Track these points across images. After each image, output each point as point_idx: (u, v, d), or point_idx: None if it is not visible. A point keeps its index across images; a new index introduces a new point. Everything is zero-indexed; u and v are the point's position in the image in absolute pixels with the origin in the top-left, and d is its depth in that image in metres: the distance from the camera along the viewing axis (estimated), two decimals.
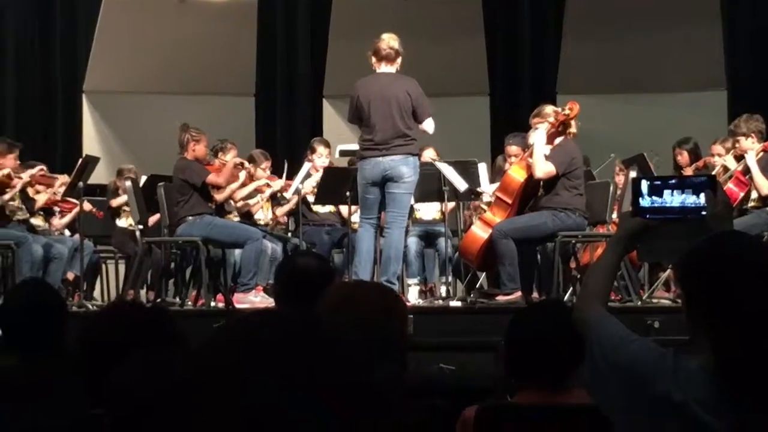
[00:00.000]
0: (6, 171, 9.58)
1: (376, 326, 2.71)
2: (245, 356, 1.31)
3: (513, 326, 3.49)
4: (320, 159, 10.40)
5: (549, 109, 8.81)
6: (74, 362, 3.16)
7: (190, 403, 1.31)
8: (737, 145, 9.05)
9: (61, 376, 3.40)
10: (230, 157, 9.99)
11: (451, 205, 9.94)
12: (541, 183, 8.64)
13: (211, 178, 9.40)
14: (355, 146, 9.10)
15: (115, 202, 10.95)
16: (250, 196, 10.50)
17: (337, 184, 9.46)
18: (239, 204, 10.48)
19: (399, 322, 3.00)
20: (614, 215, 9.36)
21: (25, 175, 9.84)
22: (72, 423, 3.03)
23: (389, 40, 8.45)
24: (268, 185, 10.51)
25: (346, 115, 8.84)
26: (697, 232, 2.72)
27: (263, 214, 10.77)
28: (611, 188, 9.34)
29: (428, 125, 8.44)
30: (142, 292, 10.59)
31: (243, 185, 10.09)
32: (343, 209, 10.06)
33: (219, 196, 9.75)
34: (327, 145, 10.57)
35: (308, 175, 10.23)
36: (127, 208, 10.54)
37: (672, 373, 2.41)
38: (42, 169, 10.14)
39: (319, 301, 2.94)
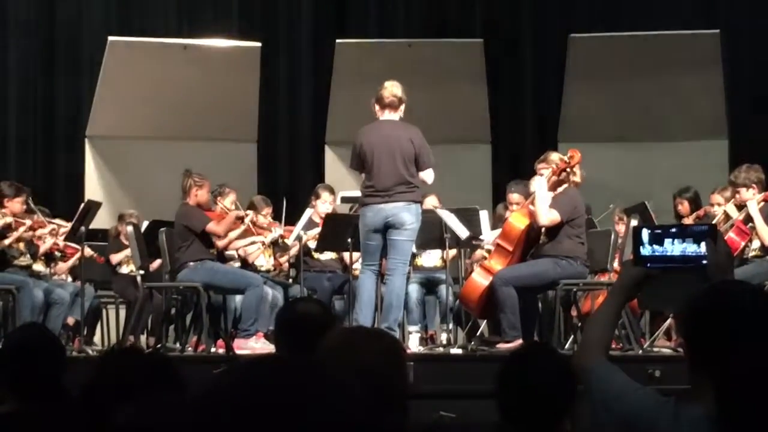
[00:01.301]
0: (9, 219, 9.57)
1: (377, 373, 2.70)
2: (247, 402, 1.31)
3: (501, 376, 3.48)
4: (324, 205, 10.39)
5: (555, 155, 8.83)
6: (74, 407, 3.15)
7: None
8: (737, 196, 9.05)
9: (59, 421, 3.39)
10: (229, 201, 10.00)
11: (452, 252, 9.93)
12: (543, 230, 8.65)
13: (211, 227, 9.38)
14: (357, 193, 9.11)
15: (115, 259, 10.95)
16: (251, 244, 10.51)
17: (338, 230, 9.46)
18: (240, 251, 10.49)
19: (399, 369, 2.99)
20: (615, 264, 9.35)
21: (39, 232, 9.86)
22: None
23: (392, 88, 8.47)
24: (262, 243, 10.51)
25: (349, 162, 8.86)
26: (698, 281, 2.72)
27: (264, 260, 10.76)
28: (612, 237, 9.34)
29: (428, 175, 8.45)
30: (143, 337, 10.56)
31: (244, 234, 10.11)
32: (345, 256, 10.06)
33: (220, 243, 9.76)
34: (332, 191, 10.58)
35: (310, 221, 10.23)
36: (129, 254, 10.54)
37: (673, 421, 2.40)
38: (53, 229, 10.08)
39: (319, 347, 2.93)
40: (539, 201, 8.52)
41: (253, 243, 10.49)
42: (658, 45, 13.24)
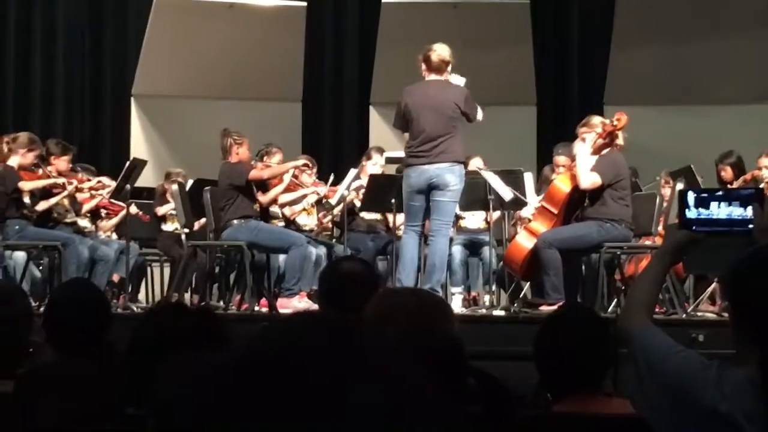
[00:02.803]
0: (60, 181, 9.62)
1: (424, 334, 2.70)
2: (286, 359, 1.31)
3: (538, 338, 3.47)
4: (374, 167, 10.36)
5: (597, 119, 8.77)
6: (119, 362, 3.18)
7: (233, 406, 1.31)
8: None
9: (102, 374, 3.42)
10: (275, 161, 10.00)
11: (496, 214, 9.91)
12: (587, 193, 8.60)
13: (254, 173, 9.40)
14: (401, 153, 9.09)
15: (160, 210, 10.98)
16: (295, 202, 10.50)
17: (382, 191, 9.45)
18: (285, 210, 10.50)
19: (446, 330, 2.98)
20: (660, 227, 9.30)
21: (85, 185, 9.92)
22: (109, 421, 3.05)
23: (440, 51, 8.44)
24: (316, 193, 10.50)
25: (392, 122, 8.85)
26: (743, 244, 2.70)
27: (308, 219, 10.78)
28: (657, 200, 9.29)
29: (479, 116, 8.47)
30: (187, 295, 10.63)
31: (287, 190, 10.08)
32: (388, 216, 10.06)
33: (263, 199, 9.72)
34: (383, 154, 10.55)
35: (357, 178, 10.21)
36: (173, 212, 10.59)
37: (717, 384, 2.39)
38: (99, 182, 10.17)
39: (364, 307, 2.94)
40: (580, 165, 8.48)
41: (304, 196, 10.45)
42: (708, 5, 13.10)
